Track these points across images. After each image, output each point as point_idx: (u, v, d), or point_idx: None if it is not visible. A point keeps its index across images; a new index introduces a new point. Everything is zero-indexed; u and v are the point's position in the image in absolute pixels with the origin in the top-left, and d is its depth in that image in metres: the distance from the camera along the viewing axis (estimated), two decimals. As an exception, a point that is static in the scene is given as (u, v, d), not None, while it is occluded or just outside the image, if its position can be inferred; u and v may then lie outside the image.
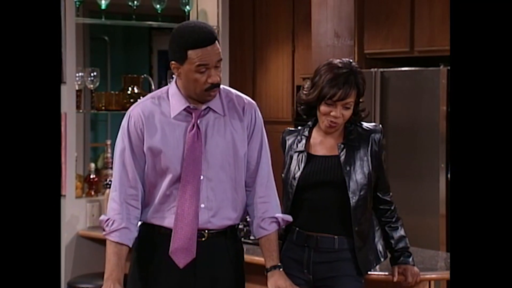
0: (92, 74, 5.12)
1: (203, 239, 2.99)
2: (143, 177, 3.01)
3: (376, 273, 3.34)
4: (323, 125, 3.22)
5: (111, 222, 2.97)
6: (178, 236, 2.94)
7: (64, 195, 4.85)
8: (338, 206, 3.18)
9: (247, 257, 3.80)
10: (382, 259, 3.32)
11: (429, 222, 5.29)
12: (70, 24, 4.88)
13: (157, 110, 3.00)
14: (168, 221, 2.98)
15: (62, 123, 4.85)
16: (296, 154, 3.25)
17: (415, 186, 5.42)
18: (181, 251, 2.95)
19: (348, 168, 3.18)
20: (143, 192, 3.02)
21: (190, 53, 2.89)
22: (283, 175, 3.28)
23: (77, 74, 5.03)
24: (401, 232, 3.32)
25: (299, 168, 3.22)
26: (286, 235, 3.29)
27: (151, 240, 3.02)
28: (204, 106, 2.99)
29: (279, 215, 3.10)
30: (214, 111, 3.01)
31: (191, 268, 2.97)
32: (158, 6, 5.35)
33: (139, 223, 3.06)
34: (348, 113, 3.19)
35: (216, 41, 2.93)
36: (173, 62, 2.96)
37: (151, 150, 2.97)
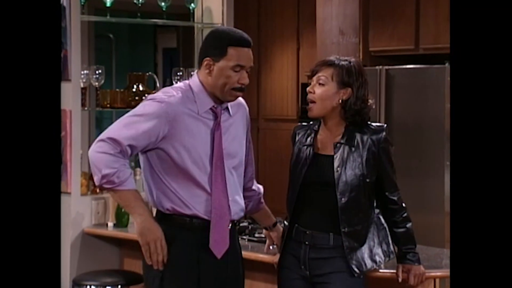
0: (97, 72, 5.12)
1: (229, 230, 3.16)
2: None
3: (382, 271, 3.34)
4: None
5: (122, 173, 3.01)
6: (217, 228, 3.08)
7: (70, 193, 4.85)
8: (331, 206, 3.19)
9: (252, 255, 3.81)
10: (386, 258, 3.30)
11: (435, 220, 5.29)
12: (75, 21, 4.88)
13: (186, 106, 3.07)
14: (200, 213, 3.07)
15: (67, 121, 4.85)
16: (305, 147, 3.28)
17: (421, 184, 5.41)
18: (219, 242, 3.09)
19: (339, 169, 3.19)
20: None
21: (231, 50, 3.03)
22: (292, 162, 3.31)
23: (82, 72, 5.03)
24: (408, 232, 3.29)
25: (306, 163, 3.24)
26: (285, 232, 3.34)
27: (177, 233, 3.08)
28: (224, 106, 3.13)
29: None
30: (228, 111, 3.15)
31: (224, 258, 3.11)
32: (163, 4, 5.35)
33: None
34: (321, 90, 3.20)
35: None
36: (207, 58, 3.07)
37: (180, 144, 3.03)
